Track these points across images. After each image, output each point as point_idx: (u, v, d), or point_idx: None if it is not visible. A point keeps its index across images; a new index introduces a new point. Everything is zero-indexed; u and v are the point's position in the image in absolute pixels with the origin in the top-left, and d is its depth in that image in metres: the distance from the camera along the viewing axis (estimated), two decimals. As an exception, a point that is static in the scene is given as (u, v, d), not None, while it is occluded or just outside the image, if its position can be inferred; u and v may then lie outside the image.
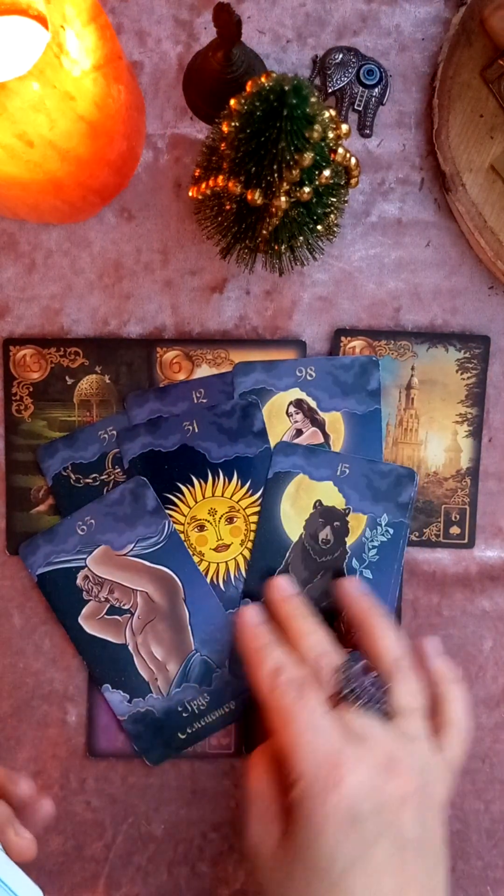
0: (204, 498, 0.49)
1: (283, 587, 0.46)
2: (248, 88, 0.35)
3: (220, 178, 0.39)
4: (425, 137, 0.50)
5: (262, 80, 0.35)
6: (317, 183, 0.39)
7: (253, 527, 0.49)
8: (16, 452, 0.50)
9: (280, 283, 0.50)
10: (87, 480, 0.49)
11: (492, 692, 0.50)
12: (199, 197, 0.42)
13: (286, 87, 0.33)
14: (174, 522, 0.49)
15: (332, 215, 0.43)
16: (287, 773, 0.38)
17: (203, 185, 0.41)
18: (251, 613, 0.45)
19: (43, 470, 0.49)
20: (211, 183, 0.40)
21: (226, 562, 0.49)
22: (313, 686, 0.40)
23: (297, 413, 0.50)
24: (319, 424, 0.50)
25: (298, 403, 0.50)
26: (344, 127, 0.39)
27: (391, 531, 0.49)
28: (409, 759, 0.39)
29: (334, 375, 0.49)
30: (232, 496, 0.49)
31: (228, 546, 0.49)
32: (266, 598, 0.47)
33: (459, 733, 0.42)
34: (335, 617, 0.49)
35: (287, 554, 0.49)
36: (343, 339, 0.50)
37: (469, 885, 0.50)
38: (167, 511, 0.49)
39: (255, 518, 0.49)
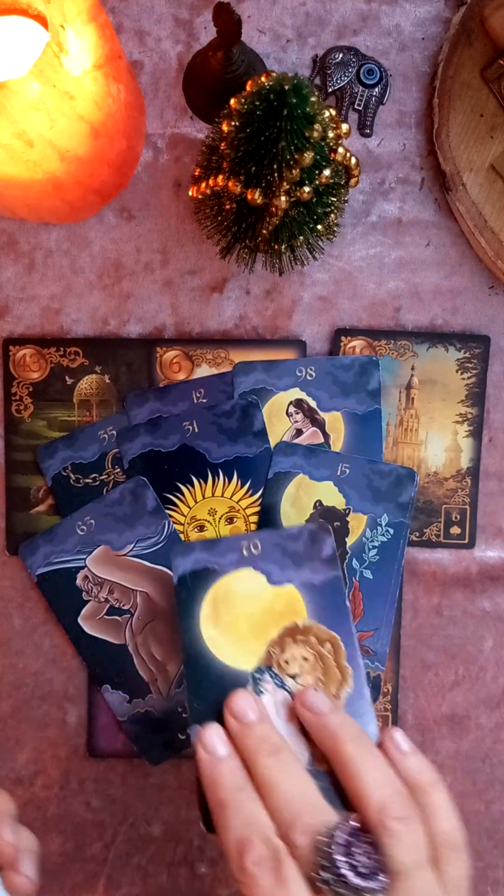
0: (204, 498, 0.49)
1: (241, 711, 0.37)
2: (248, 88, 0.35)
3: (220, 177, 0.39)
4: (425, 137, 0.50)
5: (263, 79, 0.35)
6: (317, 182, 0.39)
7: (253, 527, 0.49)
8: (15, 452, 0.50)
9: (280, 283, 0.50)
10: (87, 480, 0.49)
11: (492, 692, 0.50)
12: (199, 196, 0.42)
13: (286, 87, 0.33)
14: (174, 522, 0.49)
15: (332, 215, 0.43)
16: None
17: (203, 185, 0.41)
18: (211, 740, 0.36)
19: (43, 470, 0.49)
20: (211, 182, 0.40)
21: (226, 562, 0.49)
22: (290, 866, 0.32)
23: (297, 413, 0.50)
24: (319, 424, 0.50)
25: (298, 403, 0.50)
26: (344, 126, 0.39)
27: (391, 531, 0.49)
28: None
29: (334, 375, 0.49)
30: (232, 496, 0.49)
31: (228, 546, 0.49)
32: (226, 724, 0.37)
33: (459, 855, 0.34)
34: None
35: (287, 554, 0.49)
36: (343, 338, 0.50)
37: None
38: (167, 511, 0.49)
39: (255, 518, 0.49)
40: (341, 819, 0.33)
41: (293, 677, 0.40)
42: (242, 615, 0.42)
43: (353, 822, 0.33)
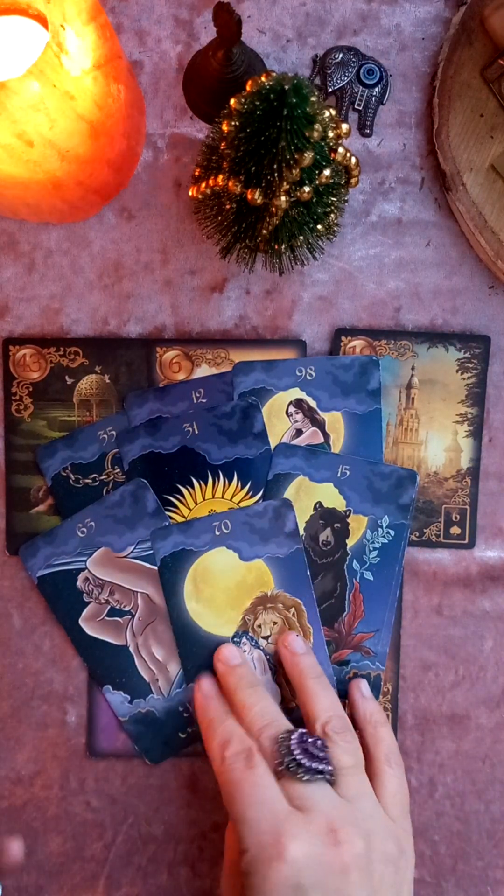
0: (204, 500, 0.49)
1: (227, 657, 0.47)
2: (248, 88, 0.35)
3: (220, 177, 0.39)
4: (425, 137, 0.50)
5: (263, 79, 0.35)
6: (317, 182, 0.39)
7: (253, 527, 0.49)
8: (15, 452, 0.50)
9: (280, 283, 0.50)
10: (87, 480, 0.49)
11: (492, 692, 0.50)
12: (199, 196, 0.42)
13: (286, 87, 0.33)
14: (174, 524, 0.49)
15: (332, 215, 0.43)
16: (239, 844, 0.40)
17: (203, 185, 0.41)
18: (206, 686, 0.47)
19: (42, 470, 0.49)
20: (211, 182, 0.40)
21: (226, 562, 0.49)
22: (259, 758, 0.41)
23: (297, 413, 0.50)
24: (319, 424, 0.50)
25: (298, 403, 0.50)
26: (344, 126, 0.39)
27: (392, 533, 0.49)
28: (351, 825, 0.39)
29: (334, 375, 0.49)
30: (232, 498, 0.49)
31: (228, 546, 0.49)
32: (214, 669, 0.47)
33: (396, 772, 0.44)
34: (335, 619, 0.49)
35: (287, 554, 0.49)
36: (343, 338, 0.50)
37: (469, 885, 0.50)
38: (167, 513, 0.49)
39: (255, 518, 0.49)
40: (297, 727, 0.43)
41: (266, 638, 0.48)
42: (220, 589, 0.48)
43: (304, 730, 0.42)
